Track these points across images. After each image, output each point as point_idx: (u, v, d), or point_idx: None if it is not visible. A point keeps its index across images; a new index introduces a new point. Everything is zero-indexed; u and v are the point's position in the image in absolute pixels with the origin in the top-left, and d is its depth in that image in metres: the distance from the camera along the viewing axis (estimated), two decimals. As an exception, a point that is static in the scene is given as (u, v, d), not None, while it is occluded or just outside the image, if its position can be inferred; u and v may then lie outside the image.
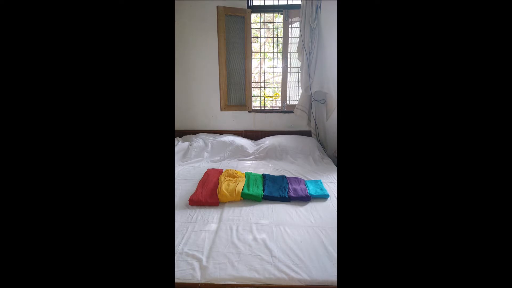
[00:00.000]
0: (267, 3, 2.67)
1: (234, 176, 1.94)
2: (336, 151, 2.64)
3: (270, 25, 2.75)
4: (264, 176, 1.95)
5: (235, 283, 1.05)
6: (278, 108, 2.88)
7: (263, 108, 2.92)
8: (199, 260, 1.15)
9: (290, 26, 2.66)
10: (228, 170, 2.01)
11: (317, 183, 1.87)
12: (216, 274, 1.08)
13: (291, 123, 2.79)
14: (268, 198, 1.66)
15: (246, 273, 1.08)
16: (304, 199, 1.65)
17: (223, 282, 1.05)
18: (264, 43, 2.82)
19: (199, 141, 2.55)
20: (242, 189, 1.72)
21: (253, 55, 2.71)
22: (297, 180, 1.91)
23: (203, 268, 1.11)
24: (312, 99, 2.59)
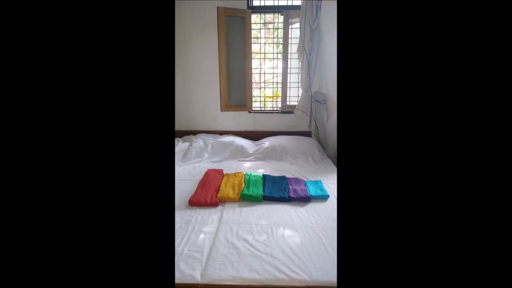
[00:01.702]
0: (267, 3, 2.67)
1: (234, 177, 1.94)
2: (336, 152, 2.64)
3: (270, 26, 2.75)
4: (264, 176, 1.95)
5: (235, 283, 1.05)
6: (278, 109, 2.87)
7: (263, 109, 2.92)
8: (199, 261, 1.14)
9: (290, 26, 2.66)
10: (228, 175, 1.99)
11: (317, 183, 1.86)
12: (216, 274, 1.08)
13: (291, 124, 2.79)
14: (268, 198, 1.66)
15: (246, 274, 1.08)
16: (304, 199, 1.65)
17: (223, 283, 1.05)
18: (264, 43, 2.82)
19: (199, 141, 2.55)
20: (242, 190, 1.71)
21: (253, 55, 2.71)
22: (297, 180, 1.91)
23: (203, 269, 1.10)
24: (312, 99, 2.58)
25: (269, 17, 2.72)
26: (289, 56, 2.72)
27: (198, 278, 1.06)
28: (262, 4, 2.67)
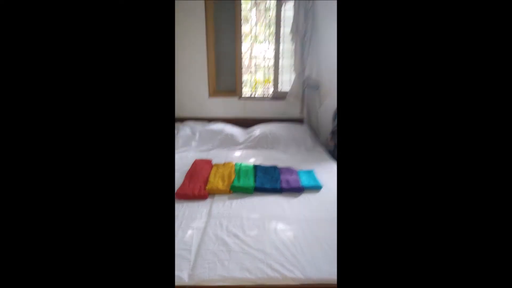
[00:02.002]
0: (258, -20, 2.49)
1: (224, 167, 1.85)
2: (328, 139, 2.59)
3: (262, 6, 2.58)
4: (256, 167, 1.87)
5: (226, 284, 0.99)
6: (269, 95, 2.76)
7: (253, 95, 2.80)
8: (187, 260, 1.07)
9: (283, 7, 2.50)
10: (217, 165, 1.90)
11: (310, 173, 1.81)
12: (205, 275, 1.01)
13: (283, 110, 2.69)
14: (259, 189, 1.59)
15: (237, 273, 1.02)
16: (297, 190, 1.60)
17: (212, 284, 0.98)
18: (255, 25, 2.66)
19: (186, 129, 2.42)
20: (232, 181, 1.63)
21: (243, 38, 2.55)
22: (289, 170, 1.85)
23: (190, 269, 1.03)
24: (305, 85, 2.49)
25: (260, -5, 2.55)
26: (281, 39, 2.58)
27: (185, 279, 0.99)
28: (253, -19, 2.49)
